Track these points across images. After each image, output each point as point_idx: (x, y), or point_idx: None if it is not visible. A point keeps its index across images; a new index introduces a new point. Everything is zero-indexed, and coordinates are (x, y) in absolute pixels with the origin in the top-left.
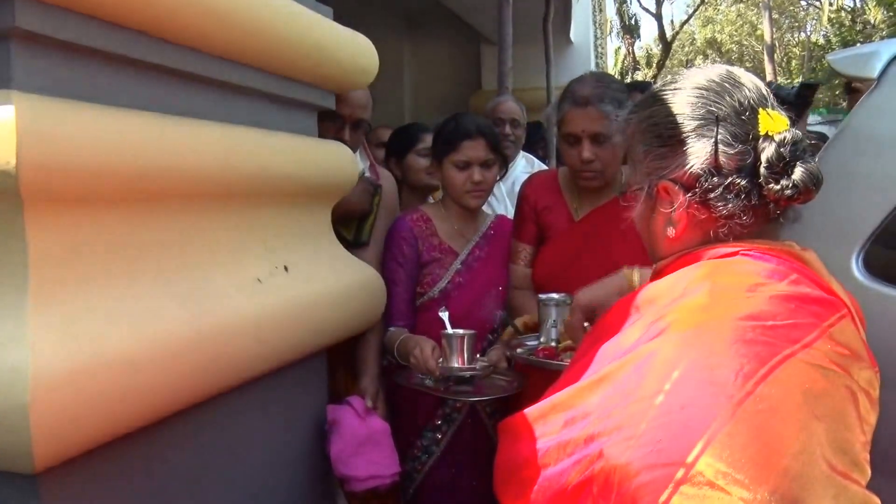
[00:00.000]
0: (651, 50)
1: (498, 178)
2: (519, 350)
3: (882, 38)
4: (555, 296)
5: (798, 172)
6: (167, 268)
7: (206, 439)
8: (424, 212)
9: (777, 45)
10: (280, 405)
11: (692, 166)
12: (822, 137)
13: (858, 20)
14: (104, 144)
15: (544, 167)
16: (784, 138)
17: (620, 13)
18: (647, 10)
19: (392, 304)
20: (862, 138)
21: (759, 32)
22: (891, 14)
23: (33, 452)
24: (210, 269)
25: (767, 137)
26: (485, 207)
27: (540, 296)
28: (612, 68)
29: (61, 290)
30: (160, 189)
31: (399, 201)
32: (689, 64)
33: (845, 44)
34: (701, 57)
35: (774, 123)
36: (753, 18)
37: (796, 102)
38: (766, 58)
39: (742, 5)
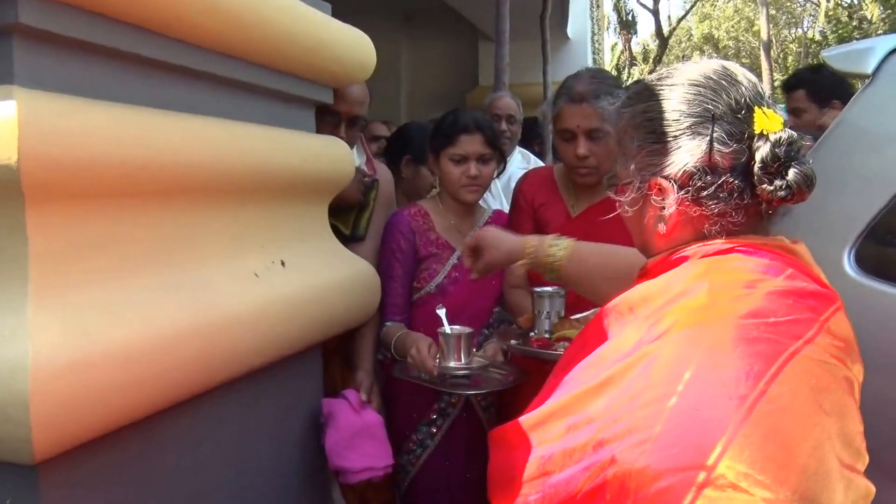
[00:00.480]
0: (648, 46)
1: (496, 174)
2: (513, 341)
3: (879, 34)
4: (548, 288)
5: (792, 173)
6: (166, 262)
7: (202, 431)
8: (422, 206)
9: (774, 41)
10: (276, 398)
11: (686, 164)
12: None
13: (855, 16)
14: (105, 140)
15: (540, 163)
16: (779, 138)
17: (617, 9)
18: (643, 6)
19: (388, 299)
20: (856, 134)
21: (755, 28)
22: (888, 10)
23: (33, 443)
24: (208, 264)
25: (762, 137)
26: (480, 203)
27: (534, 289)
28: (609, 64)
29: (61, 284)
30: (159, 184)
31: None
32: (685, 60)
33: (842, 40)
34: (698, 53)
35: (770, 122)
36: (750, 14)
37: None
38: (762, 54)
39: (739, 1)
